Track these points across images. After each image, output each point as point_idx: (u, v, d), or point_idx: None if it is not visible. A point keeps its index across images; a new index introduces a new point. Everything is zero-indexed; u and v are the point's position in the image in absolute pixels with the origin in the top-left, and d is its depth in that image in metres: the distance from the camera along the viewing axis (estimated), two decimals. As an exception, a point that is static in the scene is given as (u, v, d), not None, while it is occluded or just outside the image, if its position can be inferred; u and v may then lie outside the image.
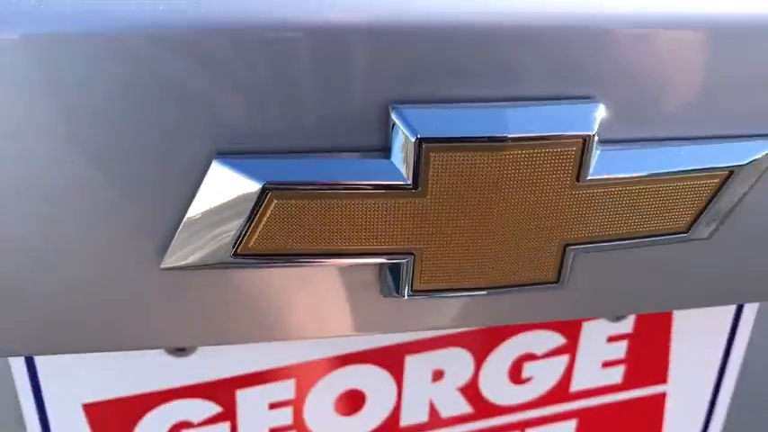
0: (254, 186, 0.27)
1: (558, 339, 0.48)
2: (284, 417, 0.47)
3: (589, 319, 0.48)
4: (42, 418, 0.44)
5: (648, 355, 0.50)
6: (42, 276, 0.28)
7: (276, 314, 0.31)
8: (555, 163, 0.28)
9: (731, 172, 0.30)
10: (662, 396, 0.51)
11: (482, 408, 0.49)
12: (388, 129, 0.27)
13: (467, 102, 0.27)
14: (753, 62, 0.29)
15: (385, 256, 0.29)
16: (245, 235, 0.27)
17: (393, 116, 0.27)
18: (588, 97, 0.28)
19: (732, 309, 0.49)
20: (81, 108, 0.25)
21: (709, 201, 0.30)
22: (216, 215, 0.27)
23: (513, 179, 0.28)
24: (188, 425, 0.46)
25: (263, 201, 0.27)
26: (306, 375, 0.46)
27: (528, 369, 0.49)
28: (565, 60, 0.27)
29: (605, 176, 0.28)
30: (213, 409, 0.46)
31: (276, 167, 0.27)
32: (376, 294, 0.31)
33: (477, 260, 0.29)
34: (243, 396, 0.45)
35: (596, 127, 0.27)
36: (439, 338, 0.47)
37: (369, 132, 0.27)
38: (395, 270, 0.29)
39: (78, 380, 0.43)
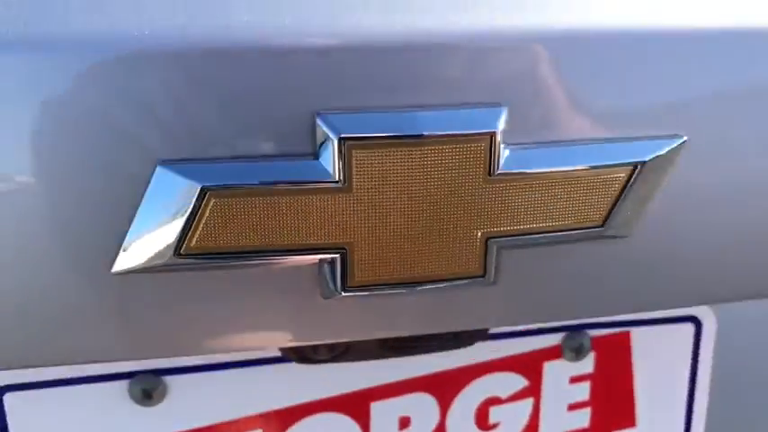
0: (193, 188, 0.29)
1: (520, 381, 0.49)
2: None
3: (550, 360, 0.49)
4: None
5: (613, 396, 0.50)
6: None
7: (219, 327, 0.32)
8: (467, 159, 0.30)
9: (635, 167, 0.32)
10: None
11: None
12: (316, 135, 0.30)
13: (387, 109, 0.30)
14: (650, 70, 0.32)
15: (319, 251, 0.31)
16: (187, 234, 0.30)
17: (318, 121, 0.30)
18: (496, 103, 0.31)
19: (690, 343, 0.50)
20: (31, 121, 0.28)
21: (619, 195, 0.33)
22: (161, 217, 0.30)
23: (430, 174, 0.30)
24: None
25: (202, 201, 0.29)
26: (273, 425, 0.47)
27: (494, 414, 0.49)
28: (475, 73, 0.31)
29: (515, 171, 0.31)
30: None
31: (214, 171, 0.30)
32: (315, 300, 0.32)
33: (406, 253, 0.32)
34: None
35: (501, 126, 0.30)
36: (402, 383, 0.48)
37: (299, 139, 0.30)
38: (332, 265, 0.31)
39: (47, 429, 0.44)
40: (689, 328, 0.50)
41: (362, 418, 0.48)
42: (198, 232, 0.30)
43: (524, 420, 0.50)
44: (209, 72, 0.29)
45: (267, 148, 0.30)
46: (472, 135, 0.30)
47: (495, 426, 0.49)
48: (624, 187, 0.32)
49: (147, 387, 0.44)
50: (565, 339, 0.49)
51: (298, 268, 0.31)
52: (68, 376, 0.44)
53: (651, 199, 0.33)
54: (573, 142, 0.32)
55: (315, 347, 0.40)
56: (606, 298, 0.36)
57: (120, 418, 0.45)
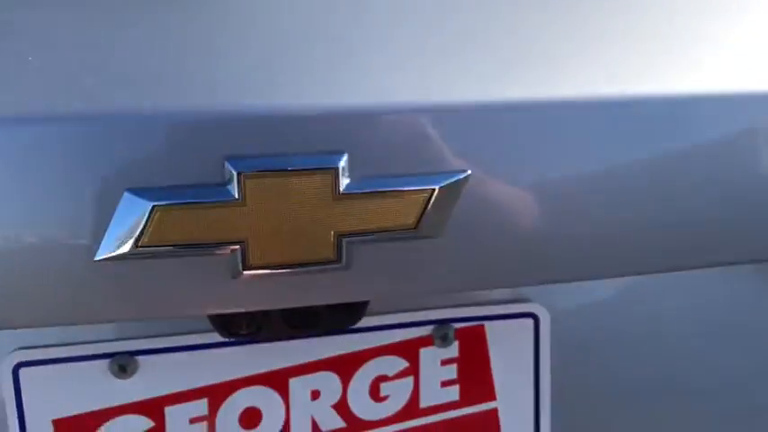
0: (146, 205, 0.46)
1: (402, 363, 0.65)
2: (201, 431, 0.62)
3: (424, 346, 0.65)
4: (22, 428, 0.60)
5: (475, 375, 0.66)
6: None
7: (162, 297, 0.49)
8: (321, 184, 0.47)
9: (434, 190, 0.49)
10: (494, 411, 0.66)
11: (353, 423, 0.64)
12: (225, 171, 0.47)
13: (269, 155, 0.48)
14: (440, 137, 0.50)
15: (228, 244, 0.47)
16: (142, 233, 0.47)
17: (226, 163, 0.47)
18: (341, 150, 0.48)
19: (531, 333, 0.66)
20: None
21: (424, 208, 0.50)
22: (127, 223, 0.47)
23: (300, 194, 0.47)
24: None
25: (152, 214, 0.47)
26: (215, 395, 0.62)
27: (384, 388, 0.65)
28: (328, 134, 0.48)
29: (353, 192, 0.48)
30: (148, 423, 0.61)
31: (160, 193, 0.47)
32: (228, 280, 0.49)
33: (285, 246, 0.48)
34: (170, 412, 0.61)
35: (342, 164, 0.47)
36: (313, 363, 0.64)
37: (216, 174, 0.47)
38: (235, 253, 0.48)
39: (50, 396, 0.59)
40: (529, 322, 0.66)
41: (283, 391, 0.63)
42: (149, 232, 0.47)
43: (408, 394, 0.65)
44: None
45: (197, 179, 0.47)
46: (324, 169, 0.47)
47: (385, 398, 0.65)
48: (427, 202, 0.49)
49: (123, 364, 0.61)
50: (434, 330, 0.65)
51: (215, 256, 0.48)
52: (65, 356, 0.60)
53: (450, 210, 0.50)
54: (392, 175, 0.49)
55: (238, 325, 0.57)
56: (427, 282, 0.52)
57: (103, 389, 0.61)
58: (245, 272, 0.49)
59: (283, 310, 0.57)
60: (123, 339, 0.61)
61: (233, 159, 0.48)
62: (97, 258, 0.48)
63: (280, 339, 0.60)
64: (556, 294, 0.66)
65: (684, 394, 0.74)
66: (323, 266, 0.50)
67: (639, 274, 0.57)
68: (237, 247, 0.49)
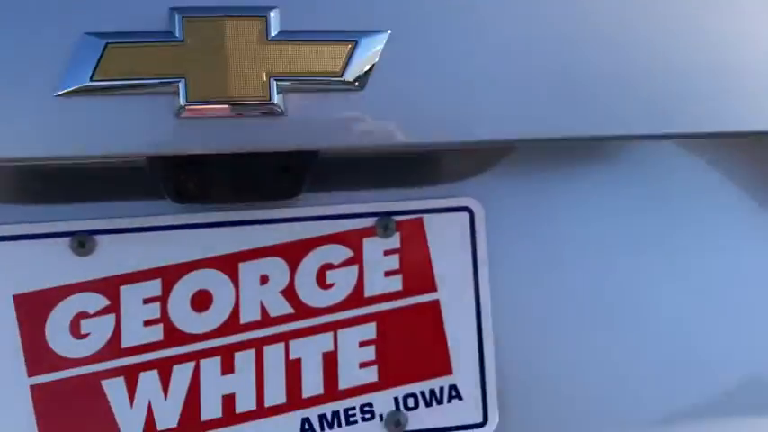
0: (101, 44, 0.53)
1: (347, 252, 0.69)
2: (153, 311, 0.65)
3: (367, 237, 0.69)
4: None
5: (417, 266, 0.69)
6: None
7: (112, 132, 0.54)
8: (253, 28, 0.54)
9: (357, 42, 0.56)
10: (437, 302, 0.69)
11: (300, 309, 0.67)
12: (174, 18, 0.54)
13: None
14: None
15: (170, 78, 0.53)
16: (96, 68, 0.53)
17: (170, 9, 0.54)
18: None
19: (467, 226, 0.70)
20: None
21: (349, 58, 0.56)
22: (84, 61, 0.53)
23: (236, 35, 0.54)
24: (86, 315, 0.64)
25: (106, 51, 0.53)
26: (168, 276, 0.66)
27: (330, 276, 0.68)
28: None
29: (283, 39, 0.54)
30: (104, 302, 0.65)
31: (112, 35, 0.53)
32: (171, 116, 0.54)
33: (221, 83, 0.54)
34: (125, 291, 0.65)
35: (272, 13, 0.54)
36: (262, 249, 0.67)
37: (165, 20, 0.54)
38: (177, 89, 0.53)
39: (12, 272, 0.63)
40: (465, 216, 0.70)
41: (233, 275, 0.67)
42: (102, 68, 0.53)
43: (353, 283, 0.69)
44: None
45: (144, 23, 0.54)
46: (258, 16, 0.54)
47: (331, 285, 0.68)
48: (351, 53, 0.56)
49: (83, 241, 0.65)
50: (376, 222, 0.69)
51: (160, 93, 0.54)
52: (28, 233, 0.64)
53: (372, 62, 0.56)
54: (320, 30, 0.56)
55: (186, 188, 0.61)
56: (353, 135, 0.57)
57: (62, 266, 0.65)
58: (186, 107, 0.55)
59: (230, 176, 0.62)
60: (83, 219, 0.65)
61: (176, 5, 0.55)
62: (56, 94, 0.54)
63: (225, 203, 0.65)
64: (491, 191, 0.71)
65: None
66: (257, 108, 0.56)
67: (555, 138, 0.62)
68: (179, 82, 0.55)
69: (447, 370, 0.70)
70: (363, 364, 0.69)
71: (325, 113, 0.57)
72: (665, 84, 0.63)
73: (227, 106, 0.55)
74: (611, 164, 0.75)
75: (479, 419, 0.70)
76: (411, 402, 0.70)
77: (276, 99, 0.56)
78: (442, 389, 0.70)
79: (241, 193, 0.63)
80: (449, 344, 0.70)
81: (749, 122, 0.65)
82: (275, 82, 0.56)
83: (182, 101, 0.55)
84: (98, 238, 0.66)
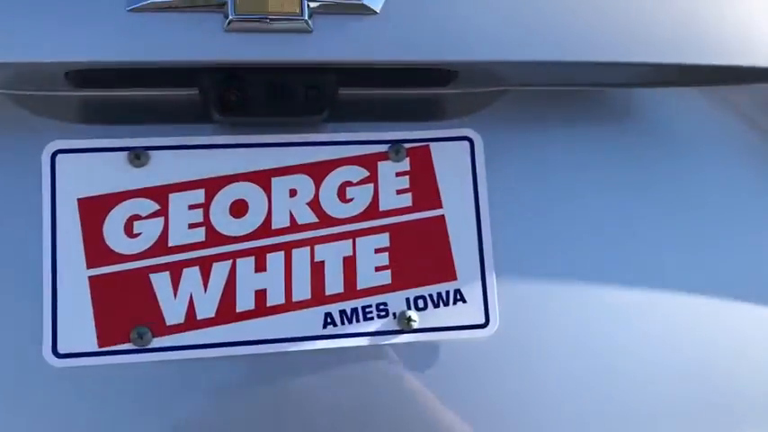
0: None
1: (364, 172, 0.79)
2: (197, 216, 0.75)
3: (381, 160, 0.79)
4: (53, 209, 0.72)
5: (424, 186, 0.79)
6: None
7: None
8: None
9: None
10: (442, 217, 0.79)
11: (323, 219, 0.77)
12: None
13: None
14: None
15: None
16: None
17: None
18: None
19: (469, 153, 0.80)
20: None
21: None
22: None
23: None
24: (138, 217, 0.74)
25: None
26: (211, 187, 0.76)
27: (349, 192, 0.78)
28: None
29: None
30: (154, 206, 0.74)
31: None
32: (219, 29, 0.66)
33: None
34: (173, 198, 0.75)
35: None
36: (291, 167, 0.78)
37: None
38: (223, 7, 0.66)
39: (78, 179, 0.73)
40: (466, 144, 0.80)
41: (266, 188, 0.77)
42: None
43: (369, 198, 0.78)
44: None
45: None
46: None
47: (350, 200, 0.78)
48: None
49: (139, 155, 0.75)
50: (389, 148, 0.79)
51: (212, 11, 0.66)
52: (94, 146, 0.75)
53: None
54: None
55: (228, 102, 0.72)
56: (374, 52, 0.69)
57: (120, 176, 0.75)
58: (233, 20, 0.67)
59: (266, 90, 0.73)
60: (140, 137, 0.76)
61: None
62: (128, 8, 0.66)
63: (261, 116, 0.75)
64: (489, 125, 0.82)
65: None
66: (290, 22, 0.67)
67: (558, 61, 0.73)
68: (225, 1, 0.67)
69: (452, 276, 0.79)
70: (378, 269, 0.78)
71: (349, 32, 0.69)
72: (661, 13, 0.75)
73: (266, 21, 0.67)
74: (600, 105, 0.86)
75: (482, 321, 0.78)
76: (420, 303, 0.78)
77: (306, 16, 0.68)
78: (447, 293, 0.79)
79: (275, 107, 0.74)
80: (453, 253, 0.79)
81: (745, 57, 0.76)
82: (306, 2, 0.68)
83: (230, 15, 0.67)
84: (152, 152, 0.76)
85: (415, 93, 0.82)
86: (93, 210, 0.75)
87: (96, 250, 0.74)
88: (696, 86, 0.88)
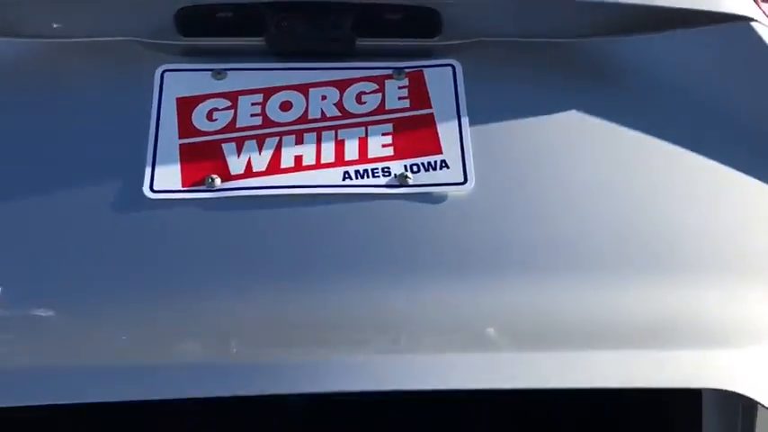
0: None
1: (375, 86, 1.09)
2: (257, 108, 1.05)
3: (387, 79, 1.09)
4: (159, 102, 1.05)
5: (419, 95, 1.08)
6: None
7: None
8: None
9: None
10: (431, 115, 1.06)
11: (345, 113, 1.07)
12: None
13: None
14: None
15: None
16: None
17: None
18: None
19: (452, 77, 1.09)
20: None
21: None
22: None
23: None
24: (216, 109, 1.05)
25: None
26: (267, 93, 1.07)
27: (364, 98, 1.08)
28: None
29: None
30: (228, 103, 1.05)
31: None
32: None
33: None
34: (241, 98, 1.06)
35: None
36: (323, 82, 1.09)
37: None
38: None
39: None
40: (450, 69, 1.10)
41: (306, 94, 1.09)
42: None
43: (378, 101, 1.08)
44: None
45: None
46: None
47: (364, 102, 1.08)
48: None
49: (219, 72, 1.08)
50: (393, 71, 1.10)
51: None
52: (189, 68, 1.08)
53: None
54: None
55: (281, 27, 1.05)
56: None
57: (206, 86, 1.07)
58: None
59: (311, 24, 1.07)
60: (221, 63, 1.09)
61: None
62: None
63: (304, 45, 1.08)
64: (469, 57, 1.12)
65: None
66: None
67: None
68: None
69: (438, 151, 1.05)
70: (384, 145, 1.06)
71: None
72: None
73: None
74: (566, 52, 1.14)
75: (462, 180, 1.04)
76: (414, 168, 1.04)
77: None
78: (435, 161, 1.05)
79: (314, 43, 1.08)
80: (439, 136, 1.07)
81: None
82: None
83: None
84: (228, 72, 1.10)
85: (411, 42, 1.14)
86: (186, 104, 1.08)
87: (186, 128, 1.06)
88: (658, 32, 1.14)
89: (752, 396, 0.90)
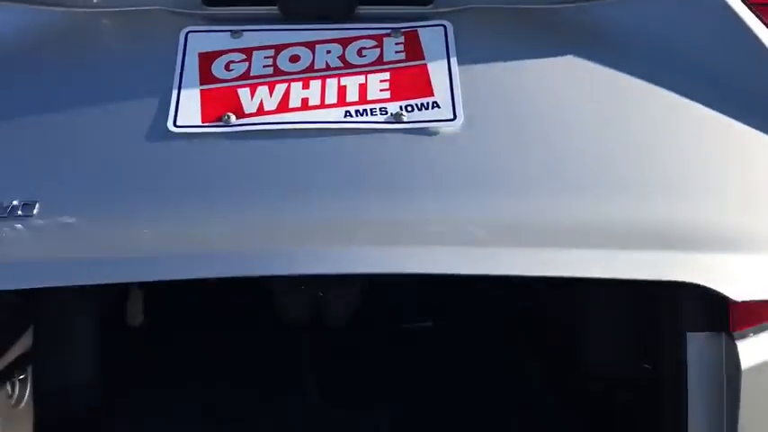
0: None
1: (374, 42, 1.21)
2: (269, 60, 1.18)
3: (385, 37, 1.21)
4: (183, 56, 1.18)
5: (414, 51, 1.21)
6: None
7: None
8: None
9: None
10: (425, 66, 1.19)
11: (347, 64, 1.19)
12: None
13: None
14: None
15: None
16: None
17: None
18: None
19: (444, 35, 1.21)
20: None
21: None
22: None
23: None
24: (233, 61, 1.18)
25: None
26: (278, 49, 1.21)
27: (364, 52, 1.21)
28: None
29: None
30: (243, 56, 1.18)
31: None
32: None
33: None
34: (255, 53, 1.19)
35: None
36: (328, 40, 1.22)
37: None
38: None
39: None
40: (442, 28, 1.23)
41: (312, 49, 1.22)
42: None
43: (377, 55, 1.21)
44: None
45: None
46: None
47: (365, 56, 1.20)
48: None
49: (236, 32, 1.21)
50: (390, 31, 1.23)
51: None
52: (209, 29, 1.22)
53: None
54: None
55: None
56: None
57: (225, 42, 1.21)
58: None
59: None
60: (238, 26, 1.23)
61: None
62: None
63: (312, 9, 1.22)
64: (459, 20, 1.24)
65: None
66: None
67: None
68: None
69: (431, 93, 1.18)
70: (381, 90, 1.18)
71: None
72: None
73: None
74: (545, 18, 1.27)
75: (452, 117, 1.15)
76: (409, 108, 1.16)
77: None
78: (427, 102, 1.17)
79: (323, 7, 1.22)
80: (432, 82, 1.19)
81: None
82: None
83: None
84: (244, 32, 1.24)
85: (408, 9, 1.28)
86: (207, 58, 1.22)
87: (206, 76, 1.19)
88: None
89: (719, 290, 0.98)
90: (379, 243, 1.01)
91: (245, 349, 2.28)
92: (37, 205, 1.07)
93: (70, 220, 1.07)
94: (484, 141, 1.16)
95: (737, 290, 1.02)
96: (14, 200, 1.07)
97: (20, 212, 1.06)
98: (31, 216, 1.06)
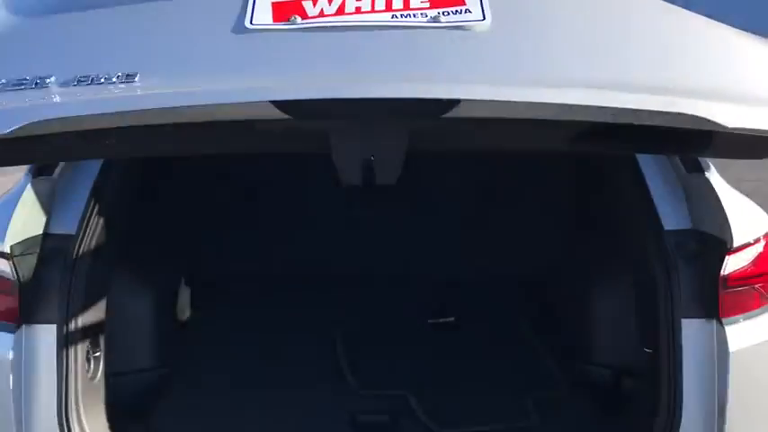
0: None
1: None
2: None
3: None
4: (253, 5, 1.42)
5: None
6: None
7: None
8: None
9: None
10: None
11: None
12: None
13: None
14: None
15: None
16: None
17: None
18: None
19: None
20: None
21: None
22: None
23: None
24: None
25: None
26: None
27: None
28: None
29: None
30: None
31: None
32: None
33: None
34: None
35: None
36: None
37: None
38: None
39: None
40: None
41: None
42: None
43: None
44: None
45: None
46: None
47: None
48: None
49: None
50: None
51: None
52: None
53: None
54: None
55: None
56: None
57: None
58: None
59: None
60: None
61: None
62: None
63: None
64: None
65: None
66: None
67: None
68: None
69: (463, 3, 1.40)
70: (422, 7, 1.40)
71: None
72: None
73: None
74: None
75: (481, 18, 1.38)
76: (445, 13, 1.40)
77: None
78: (460, 9, 1.41)
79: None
80: (464, -2, 1.41)
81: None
82: None
83: None
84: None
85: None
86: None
87: (279, 13, 1.43)
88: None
89: (712, 119, 1.18)
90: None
91: (283, 340, 2.45)
92: (138, 75, 1.30)
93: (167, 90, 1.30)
94: (507, 37, 1.39)
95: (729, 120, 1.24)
96: (119, 71, 1.31)
97: (125, 80, 1.29)
98: (133, 82, 1.29)
